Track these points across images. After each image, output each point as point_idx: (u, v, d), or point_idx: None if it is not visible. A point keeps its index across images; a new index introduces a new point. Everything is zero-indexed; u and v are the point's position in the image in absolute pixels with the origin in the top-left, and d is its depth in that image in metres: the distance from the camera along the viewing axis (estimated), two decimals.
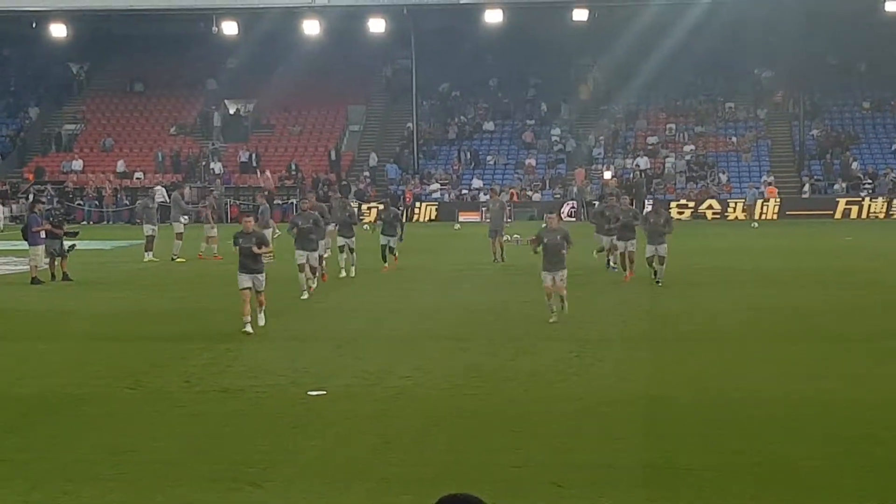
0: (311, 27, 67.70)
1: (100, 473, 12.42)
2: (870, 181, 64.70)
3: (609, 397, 15.92)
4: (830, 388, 16.58)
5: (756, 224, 56.48)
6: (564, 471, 12.27)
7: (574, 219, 60.93)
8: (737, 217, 61.48)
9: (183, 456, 13.13)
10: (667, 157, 68.73)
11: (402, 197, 66.23)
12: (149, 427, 14.58)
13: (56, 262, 32.75)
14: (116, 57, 78.20)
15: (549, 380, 17.33)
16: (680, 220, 61.77)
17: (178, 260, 37.73)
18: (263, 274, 22.43)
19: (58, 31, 69.58)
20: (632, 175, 65.90)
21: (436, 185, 67.80)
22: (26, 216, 38.10)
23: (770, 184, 64.13)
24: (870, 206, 61.68)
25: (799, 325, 22.69)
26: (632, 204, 36.53)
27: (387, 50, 73.96)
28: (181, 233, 39.28)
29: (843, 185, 64.44)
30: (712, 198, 63.79)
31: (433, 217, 64.49)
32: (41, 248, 32.22)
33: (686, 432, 13.95)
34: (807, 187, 64.53)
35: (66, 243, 33.28)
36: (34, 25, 69.72)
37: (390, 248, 33.43)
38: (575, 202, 63.86)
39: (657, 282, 28.88)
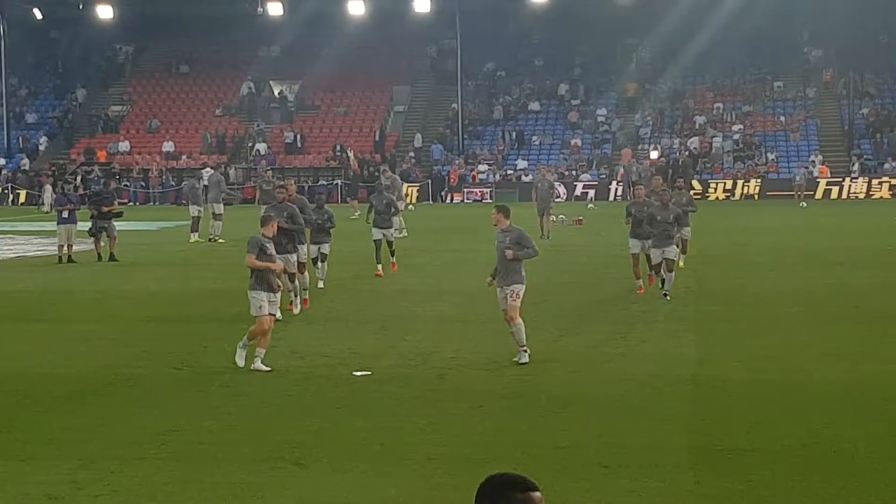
0: (356, 7, 67.80)
1: (146, 453, 12.48)
2: None
3: (655, 379, 15.82)
4: (881, 370, 16.40)
5: (804, 204, 56.08)
6: (611, 452, 12.20)
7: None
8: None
9: (228, 436, 13.17)
10: (714, 136, 68.31)
11: (447, 177, 66.28)
12: (195, 407, 14.64)
13: (103, 243, 32.93)
14: (162, 38, 78.58)
15: (595, 360, 17.26)
16: (729, 199, 61.45)
17: (219, 241, 37.71)
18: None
19: (104, 12, 70.10)
20: (677, 155, 65.53)
21: (484, 166, 67.66)
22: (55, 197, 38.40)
23: (822, 163, 63.73)
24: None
25: (849, 306, 22.47)
26: (672, 188, 31.24)
27: (432, 30, 73.88)
28: (220, 213, 39.26)
29: (894, 163, 63.82)
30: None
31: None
32: (64, 228, 32.34)
33: (733, 414, 13.85)
34: (856, 166, 63.97)
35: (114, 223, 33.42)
36: (81, 7, 70.26)
37: (388, 242, 27.88)
38: (621, 183, 63.71)
39: (664, 294, 23.29)
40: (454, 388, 15.47)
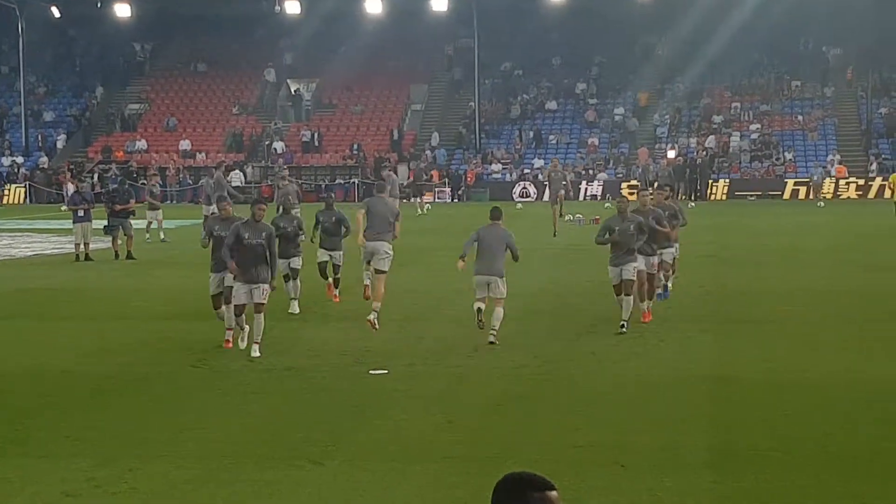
0: (374, 6, 67.84)
1: (164, 451, 12.51)
2: None
3: (673, 378, 15.81)
4: None
5: (822, 203, 55.91)
6: (627, 452, 12.20)
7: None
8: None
9: (246, 434, 13.20)
10: (731, 135, 68.16)
11: (463, 177, 66.26)
12: (213, 405, 14.67)
13: (120, 242, 33.03)
14: (180, 37, 78.78)
15: (612, 360, 17.24)
16: (747, 199, 61.22)
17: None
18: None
19: (122, 11, 70.30)
20: (695, 154, 65.32)
21: (497, 166, 67.64)
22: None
23: (840, 162, 63.55)
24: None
25: (868, 307, 22.38)
26: (680, 193, 27.42)
27: (449, 28, 73.88)
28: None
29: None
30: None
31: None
32: (80, 227, 32.44)
33: (751, 415, 13.82)
34: (874, 166, 63.76)
35: (128, 222, 33.50)
36: (99, 6, 70.48)
37: (335, 266, 23.24)
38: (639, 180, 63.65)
39: (621, 325, 19.42)
40: (471, 387, 15.48)
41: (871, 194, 59.74)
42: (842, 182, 61.66)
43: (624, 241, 19.56)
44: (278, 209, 26.15)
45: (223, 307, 18.86)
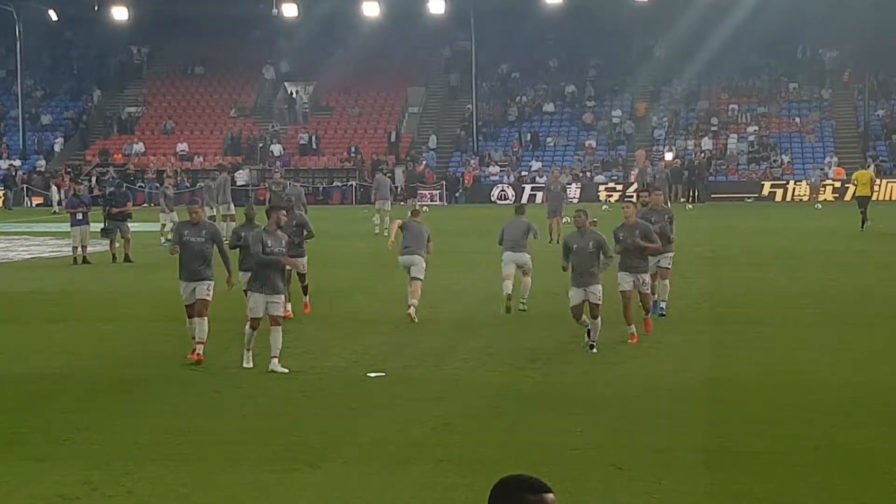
0: (371, 8, 67.79)
1: (161, 453, 12.50)
2: None
3: (670, 380, 15.80)
4: (894, 372, 16.34)
5: (819, 205, 55.90)
6: (624, 454, 12.19)
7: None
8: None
9: (243, 436, 13.19)
10: (729, 137, 68.15)
11: (461, 179, 66.23)
12: (209, 408, 14.66)
13: (118, 244, 33.00)
14: (177, 40, 78.64)
15: (609, 362, 17.23)
16: (744, 201, 61.16)
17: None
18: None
19: (119, 14, 70.16)
20: (693, 156, 65.27)
21: (495, 168, 67.59)
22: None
23: (837, 164, 63.52)
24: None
25: (863, 309, 22.39)
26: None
27: (446, 31, 73.83)
28: (231, 214, 39.07)
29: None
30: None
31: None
32: (78, 230, 32.39)
33: (747, 416, 13.82)
34: (871, 168, 63.70)
35: (125, 225, 33.45)
36: (96, 8, 70.32)
37: (300, 275, 21.61)
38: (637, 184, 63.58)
39: (591, 346, 17.97)
40: (468, 390, 15.46)
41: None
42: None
43: (582, 260, 17.94)
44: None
45: (188, 321, 17.93)
